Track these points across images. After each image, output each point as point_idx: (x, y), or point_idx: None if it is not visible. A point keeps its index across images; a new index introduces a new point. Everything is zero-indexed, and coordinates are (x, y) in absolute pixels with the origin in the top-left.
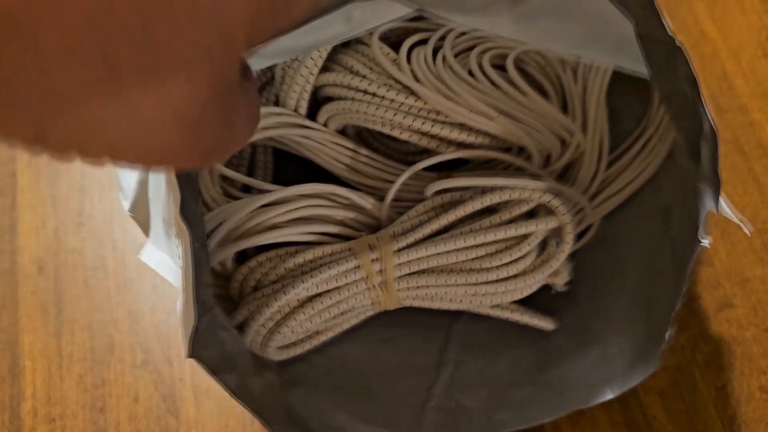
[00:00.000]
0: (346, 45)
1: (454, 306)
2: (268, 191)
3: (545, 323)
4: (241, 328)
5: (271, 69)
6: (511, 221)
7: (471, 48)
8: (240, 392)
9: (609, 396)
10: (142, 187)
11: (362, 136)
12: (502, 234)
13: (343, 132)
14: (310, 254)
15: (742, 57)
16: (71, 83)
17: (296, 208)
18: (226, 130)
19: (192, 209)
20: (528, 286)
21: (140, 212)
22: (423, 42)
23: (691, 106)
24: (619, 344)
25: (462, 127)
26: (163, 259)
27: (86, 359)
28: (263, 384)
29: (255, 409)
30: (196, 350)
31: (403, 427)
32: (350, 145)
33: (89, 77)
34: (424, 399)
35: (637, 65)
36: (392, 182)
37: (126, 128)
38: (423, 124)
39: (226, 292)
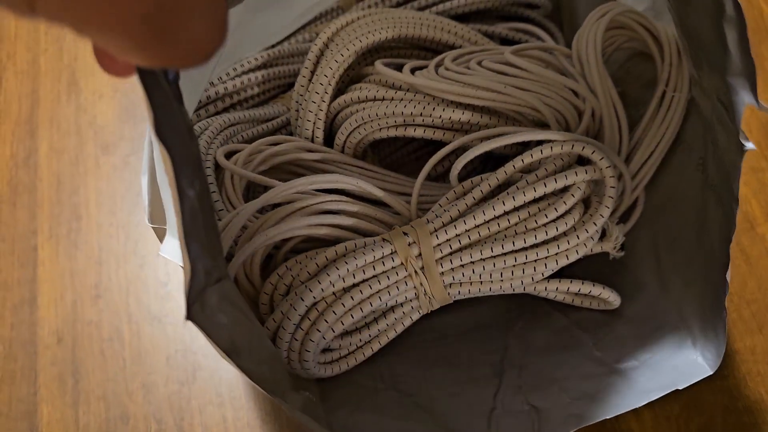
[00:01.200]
0: (354, 81)
1: (506, 285)
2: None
3: (610, 295)
4: (275, 336)
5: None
6: (547, 177)
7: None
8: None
9: (706, 371)
10: (152, 183)
11: (379, 161)
12: (540, 190)
13: (360, 159)
14: (341, 247)
15: None
16: None
17: (321, 202)
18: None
19: (176, 135)
20: (579, 245)
21: (158, 218)
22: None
23: None
24: (692, 314)
25: (472, 108)
26: (179, 248)
27: (102, 429)
28: (303, 400)
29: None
30: (197, 315)
31: None
32: (367, 165)
33: None
34: (490, 407)
35: None
36: (411, 194)
37: None
38: (434, 110)
39: (258, 316)
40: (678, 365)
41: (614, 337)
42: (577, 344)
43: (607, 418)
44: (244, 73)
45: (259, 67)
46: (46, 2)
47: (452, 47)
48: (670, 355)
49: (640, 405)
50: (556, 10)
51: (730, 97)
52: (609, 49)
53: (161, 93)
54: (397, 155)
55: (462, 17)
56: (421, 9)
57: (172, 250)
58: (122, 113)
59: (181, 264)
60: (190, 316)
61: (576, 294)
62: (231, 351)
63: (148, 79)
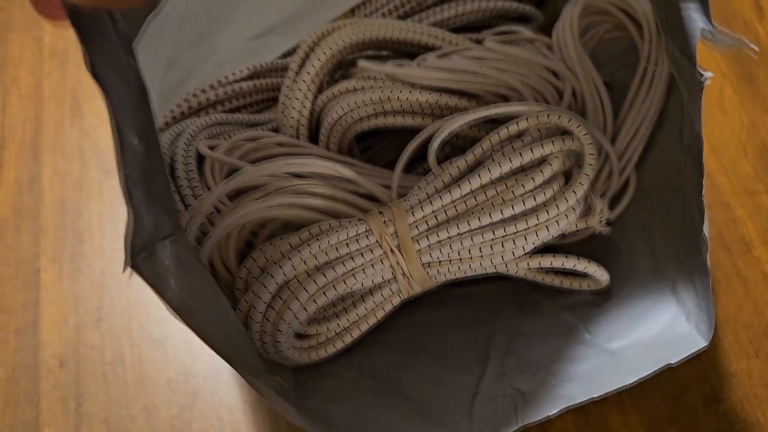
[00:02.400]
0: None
1: (486, 263)
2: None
3: (597, 270)
4: (248, 318)
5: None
6: (523, 147)
7: None
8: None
9: (701, 343)
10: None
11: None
12: (517, 161)
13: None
14: (315, 228)
15: (723, 155)
16: None
17: (296, 185)
18: None
19: (118, 76)
20: (560, 216)
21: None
22: None
23: None
24: (685, 289)
25: (451, 92)
26: None
27: None
28: (274, 384)
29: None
30: (142, 266)
31: (454, 424)
32: (350, 159)
33: None
34: (472, 394)
35: None
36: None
37: None
38: (410, 93)
39: (234, 303)
40: (671, 340)
41: (606, 319)
42: (567, 328)
43: (594, 397)
44: (236, 81)
45: (251, 77)
46: None
47: (439, 50)
48: (663, 331)
49: (630, 383)
50: (552, 23)
51: (687, 38)
52: (591, 43)
53: (103, 37)
54: (388, 161)
55: (453, 31)
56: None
57: None
58: None
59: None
60: (132, 265)
61: (563, 273)
62: (182, 309)
63: (81, 19)
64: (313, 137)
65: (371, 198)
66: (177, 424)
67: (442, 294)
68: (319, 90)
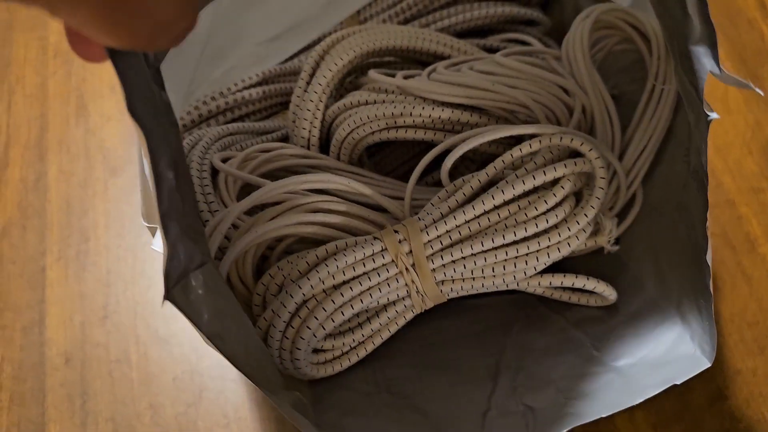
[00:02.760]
0: (350, 90)
1: (498, 281)
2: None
3: (606, 288)
4: (267, 335)
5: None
6: (536, 169)
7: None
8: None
9: (705, 363)
10: (143, 179)
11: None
12: (530, 183)
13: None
14: (332, 246)
15: (728, 155)
16: None
17: (310, 202)
18: None
19: (153, 114)
20: (571, 237)
21: (152, 217)
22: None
23: None
24: (689, 310)
25: (462, 108)
26: None
27: None
28: (293, 399)
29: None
30: (177, 297)
31: None
32: (360, 170)
33: None
34: (484, 409)
35: None
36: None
37: None
38: (423, 109)
39: (251, 317)
40: (676, 360)
41: (612, 336)
42: (575, 345)
43: (603, 416)
44: (245, 88)
45: (260, 83)
46: None
47: (447, 58)
48: (669, 350)
49: (638, 402)
50: (558, 29)
51: (695, 73)
52: (600, 55)
53: (138, 73)
54: (399, 171)
55: (459, 35)
56: (421, 27)
57: (159, 242)
58: (130, 136)
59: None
60: (169, 297)
61: (572, 290)
62: (214, 336)
63: (120, 58)
64: (324, 146)
65: (384, 211)
66: (183, 422)
67: (450, 303)
68: (330, 100)
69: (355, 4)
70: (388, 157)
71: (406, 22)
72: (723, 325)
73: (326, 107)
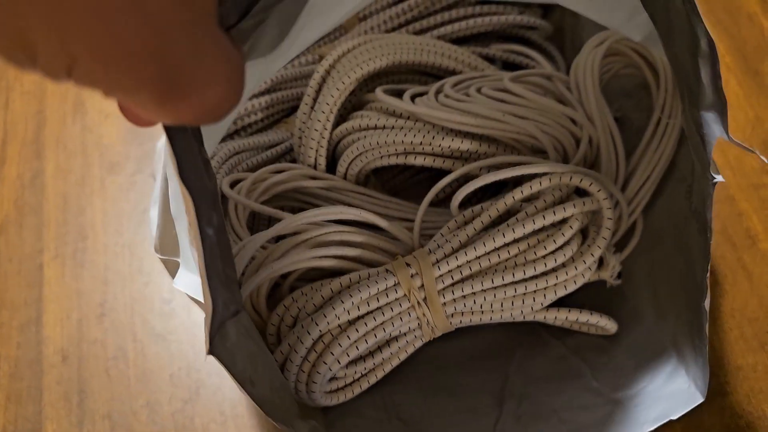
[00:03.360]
0: (356, 109)
1: (506, 315)
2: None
3: (607, 323)
4: (283, 368)
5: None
6: (545, 209)
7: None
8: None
9: (699, 398)
10: (165, 212)
11: (380, 189)
12: (539, 222)
13: (363, 185)
14: (345, 279)
15: (728, 150)
16: None
17: (324, 233)
18: (194, 60)
19: (197, 178)
20: (577, 275)
21: (166, 249)
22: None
23: (684, 19)
24: (684, 343)
25: (471, 136)
26: (194, 280)
27: None
28: (309, 428)
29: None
30: (218, 348)
31: None
32: (369, 192)
33: None
34: None
35: (629, 28)
36: (414, 221)
37: (78, 3)
38: (433, 138)
39: (267, 345)
40: (672, 394)
41: (612, 367)
42: (575, 374)
43: None
44: (248, 99)
45: (263, 93)
46: (80, 71)
47: (452, 72)
48: (665, 383)
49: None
50: (557, 32)
51: (703, 136)
52: (606, 76)
53: (184, 138)
54: (398, 179)
55: (461, 39)
56: (421, 32)
57: (186, 284)
58: (128, 133)
59: (194, 296)
60: (212, 351)
61: (574, 321)
62: (247, 382)
63: (171, 129)
64: (329, 164)
65: (396, 238)
66: (179, 419)
67: None
68: (338, 119)
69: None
70: (395, 177)
71: (406, 23)
72: (723, 320)
73: (333, 127)
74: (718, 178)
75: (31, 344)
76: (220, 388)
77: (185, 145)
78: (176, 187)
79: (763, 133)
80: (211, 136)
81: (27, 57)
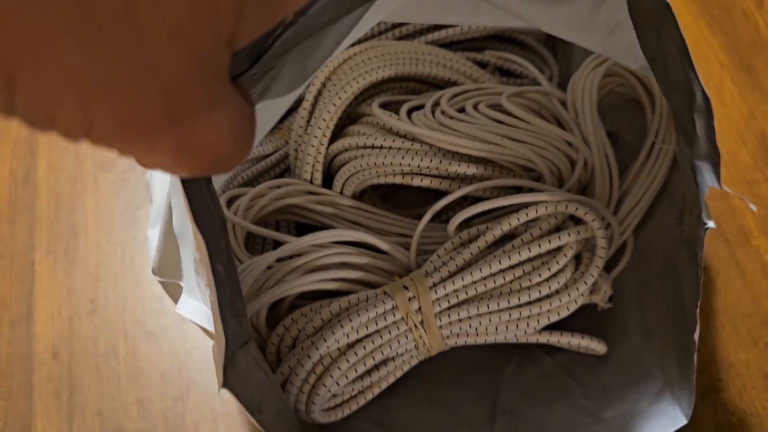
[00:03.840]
0: (352, 120)
1: (500, 338)
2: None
3: (598, 345)
4: (284, 387)
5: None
6: (541, 237)
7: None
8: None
9: (682, 420)
10: (167, 235)
11: (377, 202)
12: (535, 250)
13: (359, 199)
14: (345, 301)
15: (722, 146)
16: (41, 19)
17: (324, 255)
18: (208, 119)
19: (209, 219)
20: (570, 302)
21: (166, 271)
22: (420, 108)
23: (681, 72)
24: (671, 366)
25: (468, 159)
26: (197, 307)
27: None
28: None
29: None
30: (230, 380)
31: None
32: (367, 207)
33: (60, 12)
34: None
35: (628, 58)
36: (411, 237)
37: (100, 74)
38: (431, 161)
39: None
40: (658, 414)
41: (600, 385)
42: (565, 392)
43: None
44: None
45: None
46: (97, 135)
47: (448, 82)
48: (651, 404)
49: None
50: (550, 36)
51: (697, 184)
52: (602, 92)
53: (197, 187)
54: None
55: (453, 46)
56: (414, 36)
57: (190, 311)
58: None
59: (199, 323)
60: (227, 385)
61: (566, 343)
62: (255, 411)
63: (188, 183)
64: (325, 177)
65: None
66: (170, 416)
67: None
68: (335, 133)
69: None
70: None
71: (399, 25)
72: (716, 317)
73: (330, 141)
74: (710, 224)
75: (21, 341)
76: (211, 386)
77: (196, 187)
78: (182, 211)
79: (756, 129)
80: None
81: (47, 121)
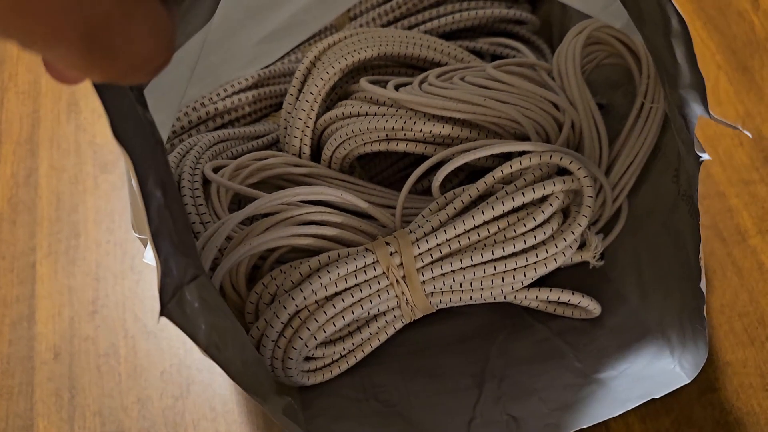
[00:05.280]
0: (341, 98)
1: (486, 294)
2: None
3: (590, 303)
4: (260, 343)
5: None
6: (526, 186)
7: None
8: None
9: (684, 379)
10: (132, 193)
11: (368, 178)
12: (519, 200)
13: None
14: (324, 257)
15: (718, 146)
16: None
17: (303, 213)
18: (119, 14)
19: (135, 132)
20: (558, 253)
21: (142, 228)
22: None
23: (654, 3)
24: (671, 325)
25: (454, 122)
26: None
27: None
28: (284, 404)
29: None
30: (173, 311)
31: None
32: (353, 179)
33: None
34: (470, 417)
35: (608, 15)
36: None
37: None
38: (415, 123)
39: (244, 325)
40: (655, 374)
41: (595, 348)
42: (558, 355)
43: (584, 427)
44: (235, 93)
45: (250, 87)
46: None
47: (438, 64)
48: (649, 364)
49: (618, 414)
50: (545, 26)
51: (685, 116)
52: (589, 66)
53: (120, 96)
54: (386, 173)
55: (449, 35)
56: (410, 28)
57: (152, 257)
58: None
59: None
60: (165, 313)
61: (557, 303)
62: (209, 346)
63: (102, 85)
64: (314, 153)
65: (378, 223)
66: (170, 415)
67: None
68: (322, 109)
69: (346, 3)
70: (378, 164)
71: (395, 20)
72: (713, 316)
73: (318, 116)
74: (704, 156)
75: (23, 341)
76: (211, 385)
77: (119, 103)
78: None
79: (753, 129)
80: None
81: None
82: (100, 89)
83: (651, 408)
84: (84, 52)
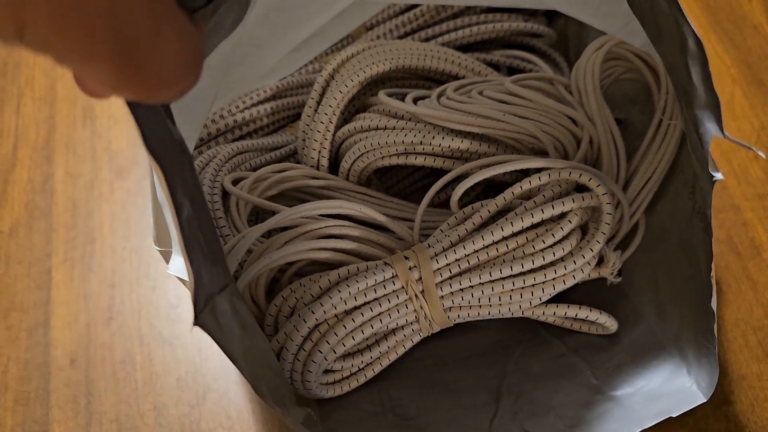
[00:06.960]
0: (360, 111)
1: (504, 310)
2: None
3: (608, 320)
4: (279, 356)
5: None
6: (545, 203)
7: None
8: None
9: (701, 398)
10: (157, 206)
11: (384, 190)
12: (538, 216)
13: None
14: (344, 271)
15: (733, 159)
16: None
17: (322, 227)
18: (150, 34)
19: (167, 147)
20: (576, 270)
21: (164, 242)
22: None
23: (670, 20)
24: (687, 343)
25: (472, 136)
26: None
27: None
28: (304, 415)
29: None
30: (206, 320)
31: None
32: (371, 192)
33: None
34: None
35: (626, 33)
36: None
37: None
38: (433, 138)
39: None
40: (672, 392)
41: (612, 365)
42: (574, 371)
43: None
44: (253, 105)
45: (268, 99)
46: (33, 34)
47: (455, 77)
48: (666, 382)
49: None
50: (562, 40)
51: (700, 129)
52: (607, 81)
53: (150, 110)
54: (402, 184)
55: (466, 47)
56: (427, 40)
57: (178, 267)
58: (136, 138)
59: (183, 278)
60: (198, 322)
61: (574, 319)
62: (238, 358)
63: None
64: (332, 165)
65: (396, 236)
66: (186, 423)
67: None
68: (341, 121)
69: (364, 15)
70: (394, 175)
71: (412, 32)
72: (728, 329)
73: (336, 129)
74: (717, 176)
75: (39, 347)
76: (227, 393)
77: (151, 118)
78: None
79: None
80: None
81: None
82: (131, 103)
83: (665, 422)
84: (116, 70)
